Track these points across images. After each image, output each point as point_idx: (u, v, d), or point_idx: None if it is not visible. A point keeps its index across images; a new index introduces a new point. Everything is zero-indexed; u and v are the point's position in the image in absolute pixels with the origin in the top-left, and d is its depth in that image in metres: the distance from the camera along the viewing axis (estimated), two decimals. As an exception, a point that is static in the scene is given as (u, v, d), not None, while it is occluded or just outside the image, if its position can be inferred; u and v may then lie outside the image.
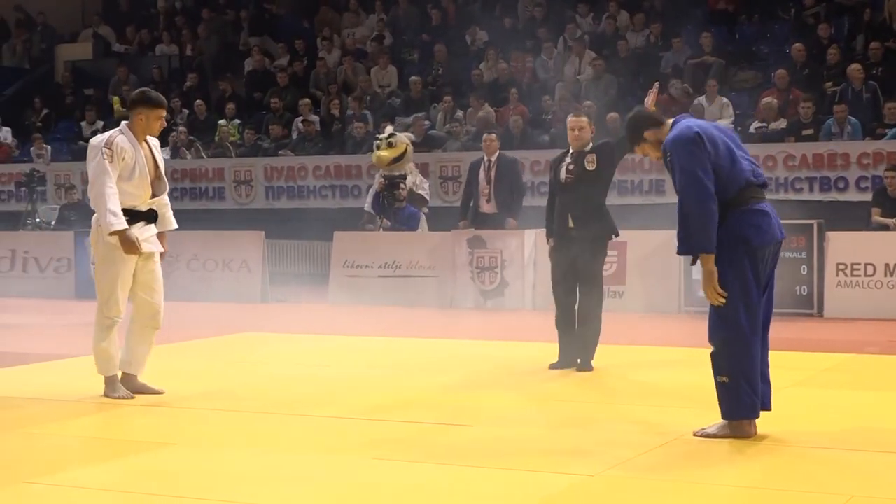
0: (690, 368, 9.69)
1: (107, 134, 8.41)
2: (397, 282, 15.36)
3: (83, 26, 27.08)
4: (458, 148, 18.77)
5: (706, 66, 18.81)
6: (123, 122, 8.47)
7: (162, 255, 8.74)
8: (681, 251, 6.73)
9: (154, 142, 8.57)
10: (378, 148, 16.21)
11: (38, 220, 19.47)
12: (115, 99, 22.95)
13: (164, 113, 8.54)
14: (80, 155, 21.36)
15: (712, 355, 6.80)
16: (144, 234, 8.37)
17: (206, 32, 24.56)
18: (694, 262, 6.79)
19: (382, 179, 16.22)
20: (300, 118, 20.33)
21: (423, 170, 17.97)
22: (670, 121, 6.98)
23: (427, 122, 19.47)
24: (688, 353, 10.56)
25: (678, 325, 12.74)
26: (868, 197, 15.37)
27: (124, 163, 8.18)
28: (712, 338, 6.81)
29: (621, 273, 14.09)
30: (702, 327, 12.34)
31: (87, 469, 6.36)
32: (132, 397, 8.30)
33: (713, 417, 7.31)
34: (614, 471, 6.14)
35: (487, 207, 14.98)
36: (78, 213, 19.27)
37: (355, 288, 15.48)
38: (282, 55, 22.96)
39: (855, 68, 17.21)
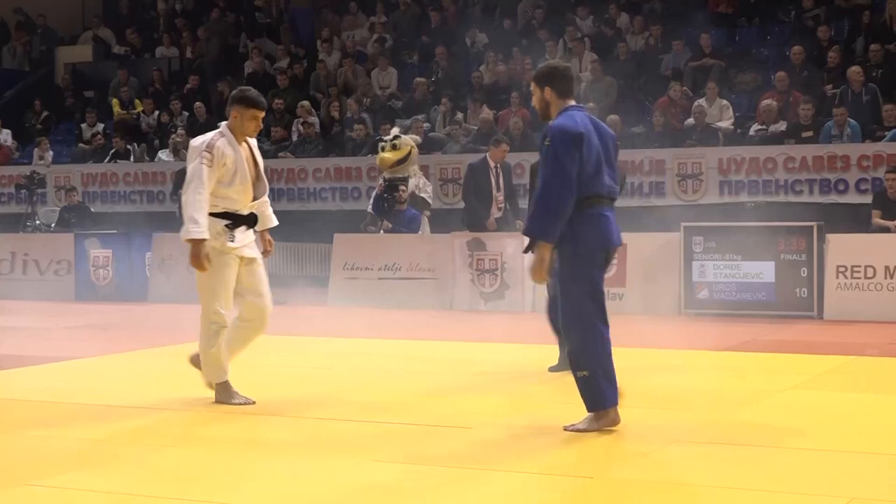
0: (689, 371, 9.72)
1: (209, 135, 8.10)
2: (397, 284, 15.37)
3: (83, 28, 27.09)
4: (457, 150, 18.77)
5: (706, 69, 18.83)
6: (223, 123, 8.21)
7: (266, 253, 8.49)
8: (528, 233, 6.90)
9: (253, 142, 8.30)
10: (382, 150, 16.24)
11: (37, 222, 19.47)
12: (115, 101, 22.98)
13: (260, 114, 8.18)
14: (80, 157, 21.53)
15: (569, 353, 7.07)
16: (246, 239, 8.19)
17: (207, 35, 24.56)
18: (527, 251, 6.98)
19: (383, 181, 16.25)
20: (300, 120, 20.35)
21: (423, 172, 17.97)
22: (570, 101, 7.07)
23: (427, 125, 19.46)
24: (687, 356, 10.58)
25: (677, 328, 12.72)
26: (868, 199, 15.37)
27: (225, 168, 7.94)
28: (569, 337, 7.06)
29: (621, 275, 14.08)
30: (701, 329, 12.39)
31: (86, 471, 6.35)
32: (252, 402, 8.12)
33: (715, 419, 7.31)
34: (614, 473, 6.15)
35: (499, 213, 15.30)
36: (78, 216, 19.32)
37: (355, 290, 15.49)
38: (282, 57, 22.95)
39: (855, 71, 17.21)
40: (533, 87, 7.24)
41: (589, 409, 6.97)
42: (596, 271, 6.95)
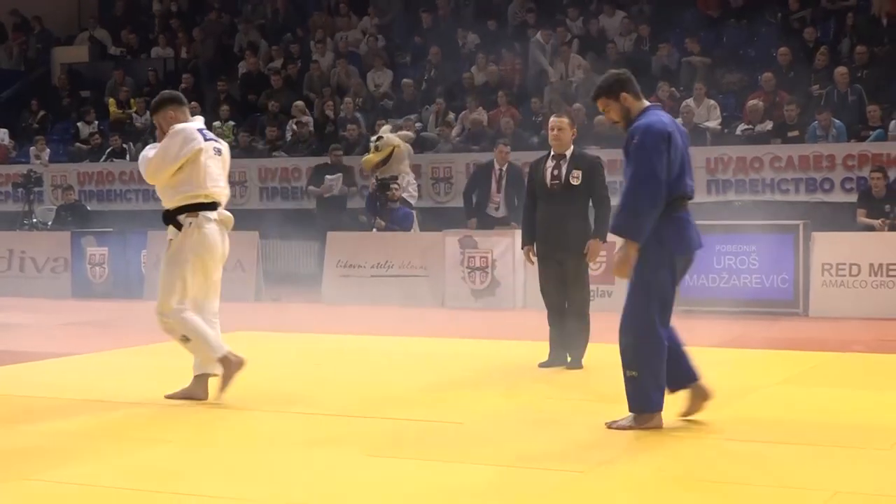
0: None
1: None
2: (390, 281, 15.36)
3: (79, 29, 27.04)
4: (448, 150, 18.78)
5: (694, 69, 18.86)
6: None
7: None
8: (615, 231, 6.89)
9: None
10: (369, 151, 16.36)
11: (34, 220, 19.44)
12: (111, 101, 22.95)
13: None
14: (77, 156, 21.50)
15: (623, 350, 6.92)
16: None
17: (202, 35, 24.53)
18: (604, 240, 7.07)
19: (375, 181, 16.32)
20: (294, 120, 20.33)
21: (416, 170, 17.99)
22: (646, 102, 7.03)
23: (419, 124, 19.47)
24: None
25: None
26: (853, 198, 15.40)
27: None
28: (625, 333, 6.92)
29: (609, 273, 14.08)
30: (690, 326, 12.35)
31: (84, 466, 6.35)
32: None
33: (705, 413, 7.33)
34: (603, 467, 6.15)
35: (497, 213, 15.52)
36: (74, 214, 19.29)
37: (348, 287, 15.49)
38: (276, 58, 22.94)
39: (841, 72, 17.24)
40: (604, 101, 7.12)
41: (631, 410, 6.94)
42: (670, 276, 6.88)
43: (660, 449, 6.60)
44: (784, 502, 5.51)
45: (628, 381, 6.91)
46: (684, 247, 6.91)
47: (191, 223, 8.10)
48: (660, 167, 6.62)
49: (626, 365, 6.89)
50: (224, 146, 8.45)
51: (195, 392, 8.18)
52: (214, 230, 8.18)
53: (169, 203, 8.25)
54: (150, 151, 8.36)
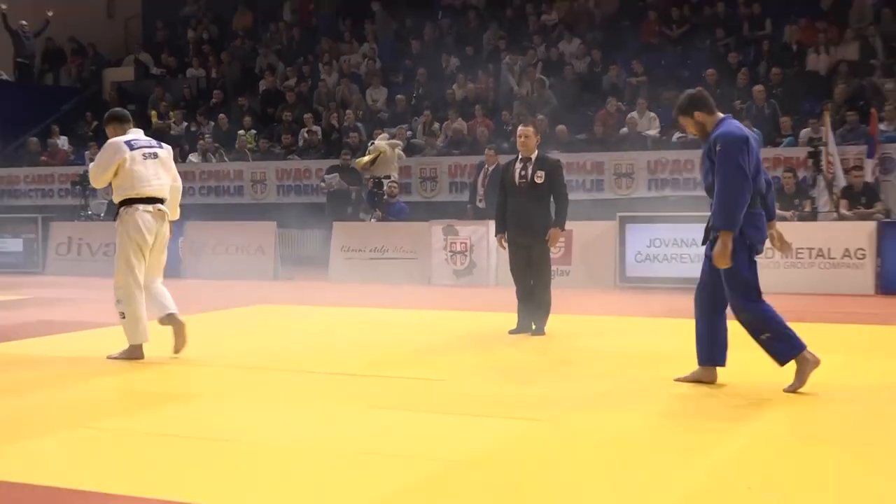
0: (624, 334, 9.76)
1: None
2: (385, 263, 15.34)
3: (126, 53, 26.94)
4: (434, 154, 18.78)
5: (637, 87, 18.85)
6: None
7: None
8: (717, 226, 6.64)
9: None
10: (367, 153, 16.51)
11: (89, 212, 19.32)
12: (153, 113, 22.86)
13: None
14: (125, 159, 21.38)
15: (747, 325, 6.75)
16: None
17: (228, 59, 24.47)
18: (704, 242, 6.87)
19: (370, 179, 16.45)
20: (305, 129, 20.31)
21: (406, 171, 17.99)
22: (720, 115, 6.87)
23: (410, 133, 19.46)
24: (622, 321, 10.63)
25: (614, 298, 12.79)
26: (769, 193, 15.41)
27: None
28: (740, 312, 6.76)
29: (568, 255, 14.13)
30: (633, 300, 12.37)
31: (129, 416, 6.34)
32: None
33: (647, 374, 7.31)
34: (559, 416, 6.17)
35: (480, 205, 15.73)
36: (122, 207, 19.17)
37: (351, 268, 15.46)
38: (290, 77, 22.86)
39: (758, 89, 17.28)
40: (682, 118, 7.01)
41: (781, 363, 6.72)
42: (748, 259, 6.71)
43: (609, 400, 6.60)
44: (697, 444, 5.50)
45: (765, 343, 6.72)
46: (760, 237, 6.76)
47: (122, 214, 8.49)
48: (745, 166, 6.52)
49: (758, 332, 6.71)
50: (162, 150, 8.58)
51: (133, 353, 8.41)
52: (147, 218, 8.40)
53: (115, 200, 8.59)
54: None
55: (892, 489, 4.72)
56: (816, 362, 6.65)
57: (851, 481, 4.83)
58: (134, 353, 8.37)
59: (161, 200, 8.47)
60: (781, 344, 6.67)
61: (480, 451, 5.39)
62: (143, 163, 8.38)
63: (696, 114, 6.89)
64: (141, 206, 8.39)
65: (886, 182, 15.34)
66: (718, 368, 6.96)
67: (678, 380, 7.02)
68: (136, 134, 8.57)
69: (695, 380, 6.94)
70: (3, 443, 5.69)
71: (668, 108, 18.37)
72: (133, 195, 8.38)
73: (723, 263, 6.57)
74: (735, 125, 6.76)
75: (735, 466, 5.05)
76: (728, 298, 6.83)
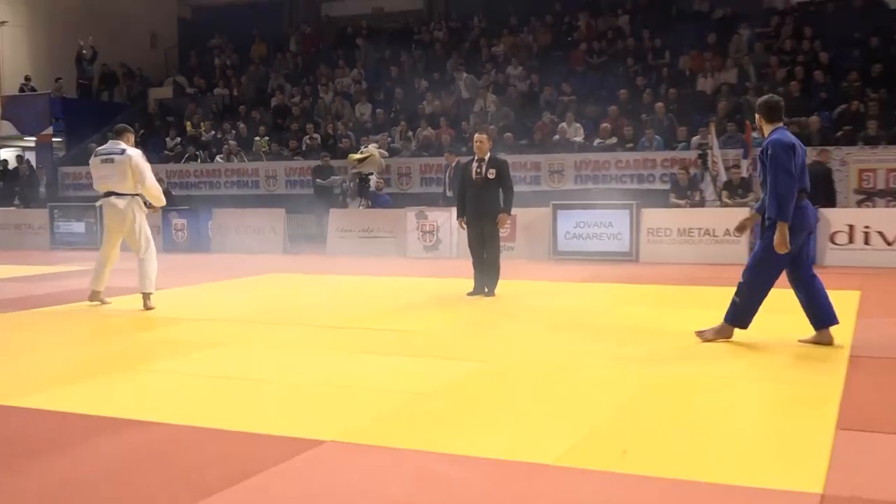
0: (556, 295, 9.82)
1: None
2: (371, 241, 15.33)
3: (166, 76, 26.63)
4: (408, 156, 18.73)
5: (567, 104, 18.88)
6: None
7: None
8: (771, 217, 6.29)
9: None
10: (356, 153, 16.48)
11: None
12: (188, 123, 22.64)
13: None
14: (165, 160, 21.24)
15: (742, 282, 6.48)
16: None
17: (247, 80, 24.25)
18: (763, 230, 6.43)
19: (356, 176, 16.42)
20: (307, 136, 20.19)
21: (386, 169, 17.94)
22: (779, 124, 6.52)
23: (389, 139, 19.39)
24: (554, 286, 10.69)
25: (548, 268, 12.84)
26: (667, 187, 15.52)
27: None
28: (745, 273, 6.49)
29: (513, 234, 14.17)
30: (563, 269, 12.40)
31: (172, 360, 6.32)
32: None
33: (573, 322, 7.32)
34: (504, 359, 6.18)
35: (448, 195, 15.51)
36: (164, 197, 19.01)
37: (344, 244, 15.44)
38: (295, 95, 22.70)
39: (659, 106, 17.36)
40: (757, 118, 6.63)
41: (726, 321, 6.54)
42: (793, 247, 6.32)
43: (543, 343, 6.62)
44: (611, 380, 5.56)
45: (732, 304, 6.48)
46: (801, 225, 6.36)
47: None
48: (790, 166, 6.22)
49: (738, 293, 6.47)
50: (116, 156, 8.77)
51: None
52: (106, 208, 8.80)
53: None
54: None
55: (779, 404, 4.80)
56: (728, 336, 6.52)
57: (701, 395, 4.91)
58: (92, 297, 8.96)
59: (115, 194, 8.77)
60: (737, 311, 6.49)
61: (442, 384, 5.42)
62: (101, 167, 8.76)
63: (758, 116, 6.55)
64: (101, 200, 8.85)
65: (757, 177, 15.47)
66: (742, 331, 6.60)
67: (802, 341, 6.46)
68: (107, 145, 8.91)
69: (815, 342, 6.43)
70: (74, 382, 5.68)
71: (590, 119, 18.51)
72: (99, 192, 8.87)
73: (783, 249, 6.21)
74: (785, 133, 6.42)
75: (641, 396, 5.12)
76: (749, 258, 6.60)
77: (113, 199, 8.65)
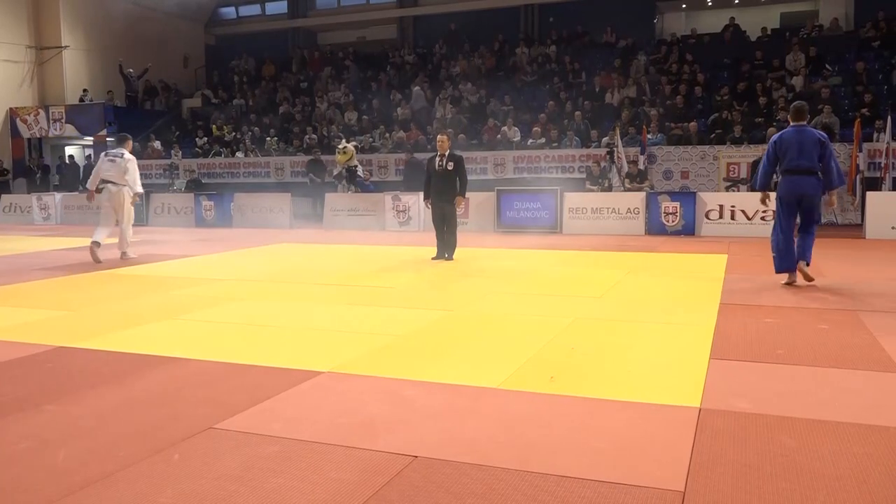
0: (501, 258, 9.81)
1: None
2: (357, 217, 15.17)
3: (196, 89, 26.03)
4: (386, 152, 18.55)
5: (507, 112, 18.78)
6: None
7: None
8: (835, 186, 6.51)
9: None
10: (337, 153, 16.20)
11: (175, 188, 18.83)
12: (214, 127, 22.17)
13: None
14: (195, 155, 20.80)
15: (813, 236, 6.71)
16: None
17: (260, 93, 23.79)
18: (799, 201, 6.63)
19: (343, 169, 16.24)
20: (307, 136, 19.89)
21: (368, 163, 17.78)
22: (791, 123, 6.56)
23: (371, 139, 19.18)
24: (499, 251, 10.68)
25: (494, 238, 12.83)
26: (583, 176, 15.53)
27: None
28: (774, 238, 6.79)
29: (467, 212, 14.14)
30: (505, 239, 12.37)
31: (203, 311, 6.23)
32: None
33: (514, 282, 7.31)
34: (461, 309, 6.17)
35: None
36: (195, 185, 18.70)
37: (337, 220, 15.28)
38: (298, 105, 22.31)
39: (578, 114, 17.32)
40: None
41: (777, 271, 6.78)
42: (782, 207, 6.64)
43: (497, 297, 6.59)
44: (543, 323, 5.58)
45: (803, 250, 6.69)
46: (784, 192, 6.62)
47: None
48: (765, 159, 6.58)
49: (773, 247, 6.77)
50: (118, 159, 9.70)
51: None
52: (105, 192, 9.53)
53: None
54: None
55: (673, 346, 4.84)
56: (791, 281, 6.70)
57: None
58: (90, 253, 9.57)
59: (112, 183, 9.57)
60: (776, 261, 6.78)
61: (415, 329, 5.41)
62: (106, 164, 9.53)
63: (788, 116, 6.65)
64: (102, 186, 9.50)
65: (651, 169, 15.59)
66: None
67: (786, 284, 6.75)
68: (114, 149, 9.72)
69: (790, 283, 6.75)
70: (124, 328, 5.57)
71: (525, 124, 18.44)
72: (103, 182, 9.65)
73: (832, 204, 6.64)
74: (789, 131, 6.56)
75: (565, 335, 5.15)
76: (813, 222, 6.68)
77: (110, 186, 9.53)
